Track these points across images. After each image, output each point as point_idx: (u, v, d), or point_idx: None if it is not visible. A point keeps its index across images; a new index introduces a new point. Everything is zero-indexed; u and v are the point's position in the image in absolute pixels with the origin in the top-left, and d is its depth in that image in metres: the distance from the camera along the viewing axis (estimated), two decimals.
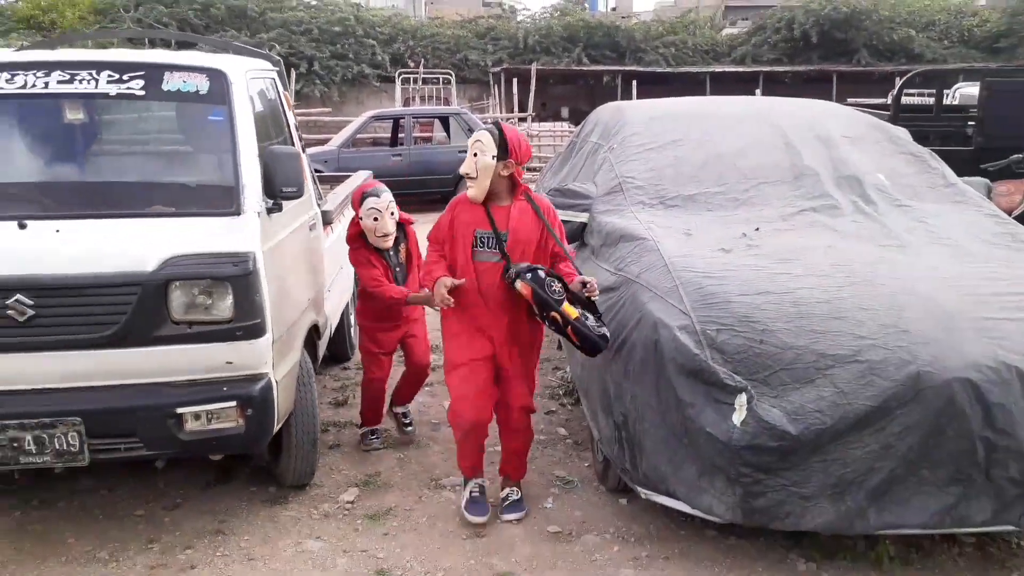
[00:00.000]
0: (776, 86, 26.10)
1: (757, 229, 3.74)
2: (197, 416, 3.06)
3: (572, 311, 3.13)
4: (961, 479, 2.83)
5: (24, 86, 3.27)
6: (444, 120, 15.07)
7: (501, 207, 3.29)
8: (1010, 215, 4.84)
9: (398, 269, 4.00)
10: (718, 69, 26.97)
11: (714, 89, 25.63)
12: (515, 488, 3.60)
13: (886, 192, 4.06)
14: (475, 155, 3.20)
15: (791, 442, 2.78)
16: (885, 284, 3.17)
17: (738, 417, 2.81)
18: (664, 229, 3.76)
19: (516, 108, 21.67)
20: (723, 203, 4.01)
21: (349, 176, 6.60)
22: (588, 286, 3.17)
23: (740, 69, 26.91)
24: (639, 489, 3.23)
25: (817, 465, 2.82)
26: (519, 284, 3.17)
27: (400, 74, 23.08)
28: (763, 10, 31.90)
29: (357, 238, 3.92)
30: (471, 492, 3.52)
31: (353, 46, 24.91)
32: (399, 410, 4.36)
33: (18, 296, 2.92)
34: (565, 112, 25.63)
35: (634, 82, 22.97)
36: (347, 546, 3.32)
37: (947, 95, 10.38)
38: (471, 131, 13.91)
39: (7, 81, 3.28)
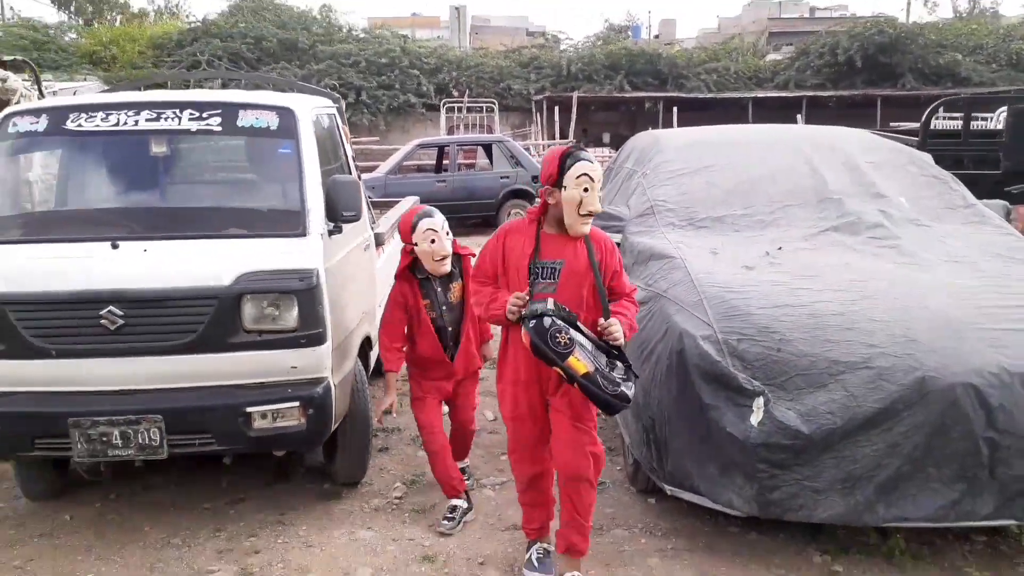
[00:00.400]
0: (820, 111, 26.11)
1: (780, 248, 4.00)
2: (264, 415, 3.41)
3: (581, 366, 2.76)
4: (965, 476, 3.04)
5: (117, 123, 3.70)
6: (487, 147, 15.50)
7: (558, 236, 3.02)
8: None
9: (444, 307, 3.76)
10: (760, 95, 27.04)
11: (756, 115, 25.71)
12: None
13: (905, 213, 4.29)
14: (585, 190, 2.90)
15: (804, 441, 3.03)
16: (897, 298, 3.40)
17: (756, 418, 3.06)
18: (692, 248, 4.04)
19: (557, 135, 22.06)
20: (749, 224, 4.27)
21: (398, 201, 6.99)
22: (607, 331, 2.89)
23: (783, 94, 26.93)
24: (666, 486, 3.48)
25: (829, 462, 3.05)
26: (522, 331, 2.85)
27: (444, 103, 23.69)
28: (807, 35, 32.01)
29: (406, 271, 3.73)
30: (536, 554, 3.27)
31: (399, 77, 25.64)
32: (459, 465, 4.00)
33: (110, 307, 3.30)
34: (606, 138, 25.95)
35: (675, 108, 23.15)
36: (395, 535, 3.63)
37: (991, 119, 10.47)
38: (513, 158, 14.35)
39: (102, 120, 3.71)
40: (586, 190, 2.87)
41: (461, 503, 3.76)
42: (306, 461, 4.43)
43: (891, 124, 8.27)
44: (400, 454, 4.57)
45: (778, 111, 25.15)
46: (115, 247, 3.40)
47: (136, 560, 3.47)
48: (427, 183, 13.70)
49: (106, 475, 4.18)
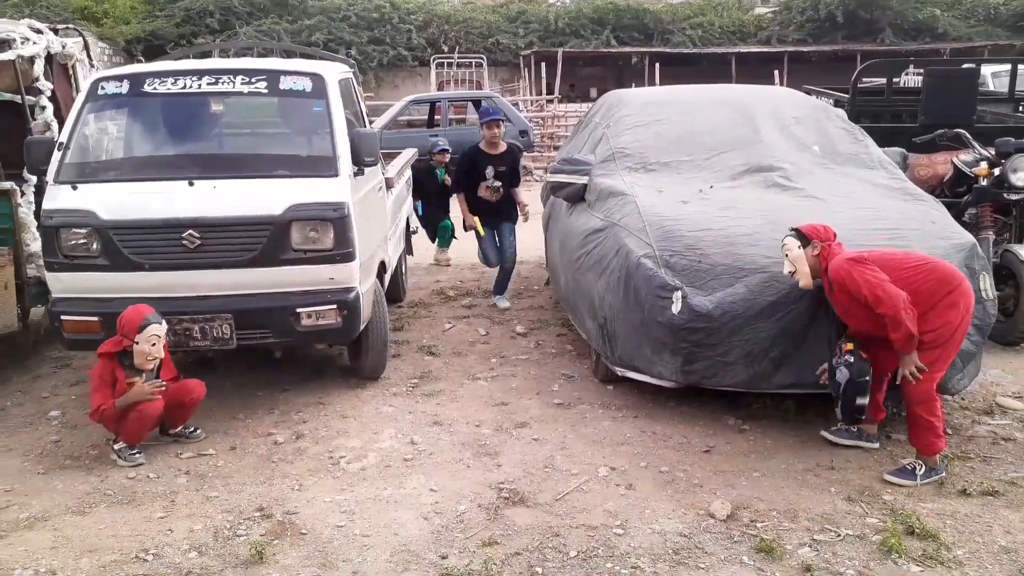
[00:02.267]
0: (801, 66, 26.84)
1: (711, 187, 5.02)
2: (310, 315, 4.45)
3: None
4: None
5: (185, 87, 4.67)
6: (477, 103, 16.35)
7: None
8: (926, 183, 6.05)
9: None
10: (743, 50, 27.73)
11: (739, 69, 26.45)
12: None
13: (816, 158, 5.31)
14: (786, 255, 3.90)
15: (716, 325, 4.09)
16: (792, 222, 4.41)
17: (676, 307, 4.12)
18: (642, 187, 5.06)
19: (544, 90, 22.86)
20: (689, 168, 5.29)
21: (399, 153, 7.94)
22: None
23: (765, 49, 27.63)
24: (616, 368, 4.56)
25: (735, 341, 4.11)
26: None
27: (435, 59, 24.38)
28: None
29: (110, 354, 4.08)
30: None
31: (390, 32, 26.22)
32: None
33: (190, 231, 4.31)
34: (593, 93, 26.63)
35: (657, 64, 23.88)
36: (411, 408, 4.71)
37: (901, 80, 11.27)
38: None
39: (172, 84, 4.68)
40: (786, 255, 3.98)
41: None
42: (336, 362, 5.49)
43: (809, 86, 9.17)
44: (410, 358, 5.63)
45: (760, 65, 25.84)
46: (191, 184, 4.40)
47: (213, 427, 4.52)
48: (420, 137, 14.58)
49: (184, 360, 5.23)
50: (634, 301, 4.38)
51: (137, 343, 4.05)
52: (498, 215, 6.75)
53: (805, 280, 3.89)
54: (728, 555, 3.19)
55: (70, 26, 6.76)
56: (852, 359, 3.81)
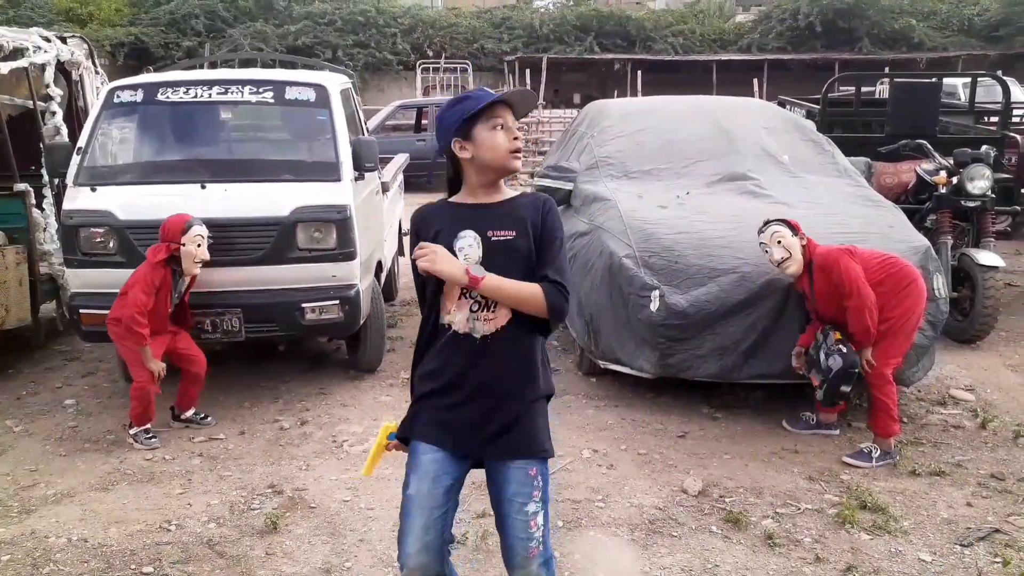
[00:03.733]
0: (781, 73, 27.41)
1: (688, 193, 5.39)
2: (314, 309, 4.77)
3: None
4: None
5: (196, 96, 4.98)
6: None
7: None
8: (891, 190, 6.44)
9: (175, 295, 4.44)
10: (724, 57, 28.26)
11: (720, 77, 26.94)
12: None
13: (786, 167, 5.69)
14: (779, 242, 4.17)
15: (690, 321, 4.45)
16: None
17: (654, 305, 4.48)
18: (623, 193, 5.41)
19: None
20: (668, 175, 5.65)
21: (390, 158, 8.26)
22: None
23: (746, 57, 28.17)
24: (599, 361, 4.91)
25: (708, 336, 4.47)
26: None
27: (420, 64, 24.69)
28: None
29: (162, 262, 4.29)
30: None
31: (375, 36, 26.48)
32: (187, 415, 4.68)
33: None
34: (577, 99, 27.06)
35: (639, 72, 24.29)
36: (407, 398, 4.98)
37: (875, 91, 11.69)
38: None
39: (184, 93, 4.98)
40: (779, 241, 4.26)
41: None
42: (335, 356, 5.80)
43: (783, 97, 9.59)
44: (404, 353, 5.94)
45: (741, 73, 26.36)
46: (203, 187, 4.71)
47: (222, 414, 4.82)
48: (408, 142, 14.89)
49: None
50: (617, 299, 4.73)
51: (184, 244, 4.27)
52: None
53: (796, 267, 4.18)
54: (698, 525, 3.55)
55: (76, 35, 7.01)
56: (845, 350, 4.13)
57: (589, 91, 27.38)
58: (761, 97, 20.42)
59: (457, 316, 2.19)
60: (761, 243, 4.30)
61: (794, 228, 4.23)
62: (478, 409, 2.22)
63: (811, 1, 28.27)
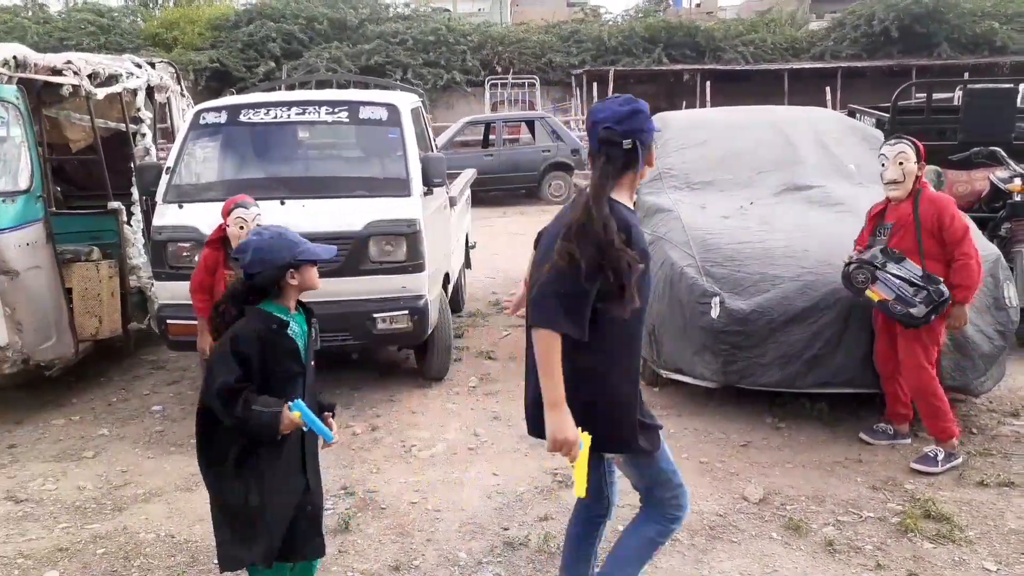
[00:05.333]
0: (855, 81, 26.83)
1: (751, 203, 5.42)
2: (384, 320, 4.97)
3: (875, 295, 4.05)
4: (864, 357, 4.45)
5: (276, 117, 5.27)
6: (530, 123, 16.91)
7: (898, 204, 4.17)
8: (964, 198, 6.32)
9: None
10: (796, 66, 27.75)
11: (792, 86, 26.52)
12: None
13: (852, 176, 5.66)
14: (900, 164, 4.05)
15: (751, 327, 4.48)
16: (825, 236, 4.81)
17: (715, 312, 4.52)
18: (686, 204, 5.48)
19: None
20: (731, 186, 5.69)
21: (458, 173, 8.48)
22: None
23: (818, 65, 27.61)
24: (661, 371, 4.97)
25: (771, 344, 4.50)
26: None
27: (488, 80, 25.05)
28: (851, 1, 32.44)
29: (217, 241, 4.35)
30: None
31: (445, 54, 26.95)
32: None
33: None
34: None
35: (708, 82, 24.10)
36: (473, 406, 5.19)
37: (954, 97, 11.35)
38: (554, 133, 15.75)
39: (265, 114, 5.28)
40: (900, 163, 4.10)
41: None
42: (404, 365, 6.00)
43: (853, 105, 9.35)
44: (470, 362, 6.11)
45: (813, 81, 25.91)
46: (283, 203, 4.97)
47: None
48: (476, 157, 15.17)
49: None
50: (678, 308, 4.79)
51: (229, 226, 4.28)
52: None
53: (902, 193, 4.11)
54: (758, 532, 3.58)
55: (164, 60, 7.44)
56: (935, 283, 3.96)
57: (657, 102, 27.19)
58: (834, 105, 20.10)
59: None
60: (881, 155, 4.21)
61: (920, 155, 4.11)
62: None
63: (887, 6, 27.56)
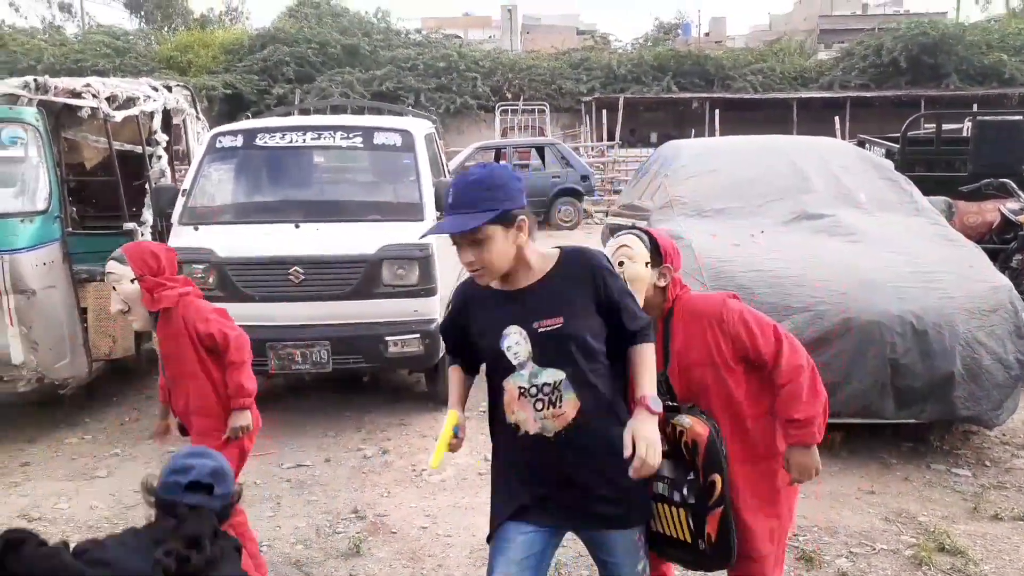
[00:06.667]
0: (863, 110, 26.98)
1: (762, 232, 5.43)
2: (396, 343, 5.00)
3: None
4: (876, 386, 4.44)
5: (291, 141, 5.33)
6: (540, 149, 17.03)
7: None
8: (974, 229, 6.34)
9: None
10: (805, 95, 27.92)
11: (801, 115, 26.68)
12: None
13: (862, 206, 5.68)
14: (620, 264, 2.43)
15: None
16: (836, 265, 4.82)
17: None
18: (697, 232, 5.48)
19: (605, 136, 23.45)
20: (741, 214, 5.70)
21: None
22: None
23: (827, 95, 27.78)
24: None
25: None
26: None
27: (499, 106, 25.26)
28: (858, 32, 32.66)
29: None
30: None
31: (456, 80, 27.23)
32: None
33: (295, 267, 4.92)
34: (653, 137, 27.23)
35: (716, 110, 24.23)
36: (483, 430, 5.10)
37: (963, 128, 11.46)
38: (563, 159, 15.87)
39: (280, 138, 5.34)
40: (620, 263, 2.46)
41: None
42: (414, 389, 6.01)
43: (863, 135, 9.38)
44: (480, 387, 6.06)
45: (822, 110, 26.04)
46: (297, 227, 5.02)
47: (308, 443, 5.07)
48: None
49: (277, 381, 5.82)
50: None
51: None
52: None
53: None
54: None
55: (180, 84, 7.54)
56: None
57: (666, 130, 27.45)
58: (843, 135, 20.18)
59: (522, 415, 2.11)
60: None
61: (660, 250, 2.50)
62: (569, 496, 2.15)
63: (895, 37, 27.82)
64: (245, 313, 4.93)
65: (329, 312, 4.96)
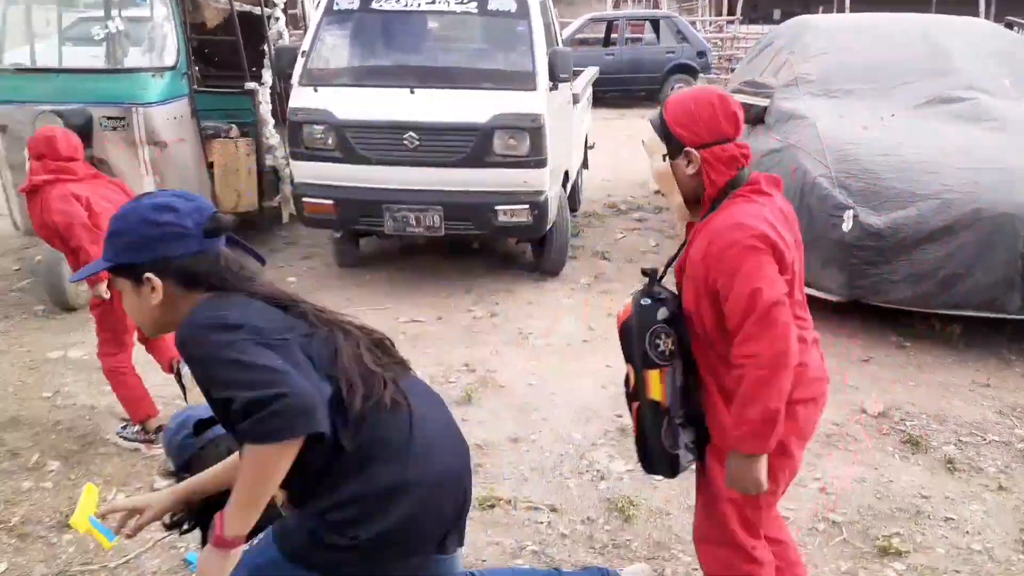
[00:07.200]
0: None
1: (894, 115, 5.14)
2: (506, 212, 5.06)
3: (658, 390, 1.98)
4: (1004, 280, 4.25)
5: (407, 4, 5.28)
6: (655, 23, 16.28)
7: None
8: None
9: None
10: None
11: None
12: None
13: (1006, 91, 5.28)
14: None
15: (884, 243, 4.34)
16: (971, 152, 4.55)
17: (846, 226, 4.39)
18: (823, 112, 5.25)
19: (725, 10, 22.20)
20: (873, 96, 5.40)
21: (582, 71, 8.33)
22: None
23: None
24: None
25: (903, 261, 4.35)
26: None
27: None
28: None
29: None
30: None
31: None
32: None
33: (410, 132, 4.97)
34: (777, 15, 25.67)
35: None
36: (588, 302, 5.28)
37: None
38: (679, 34, 15.14)
39: (396, 1, 5.30)
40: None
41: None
42: (520, 259, 6.12)
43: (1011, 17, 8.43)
44: (585, 261, 6.17)
45: None
46: (412, 92, 5.04)
47: (422, 301, 5.28)
48: (596, 56, 14.77)
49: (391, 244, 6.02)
50: (805, 219, 4.64)
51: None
52: None
53: (676, 209, 2.09)
54: (875, 444, 3.57)
55: None
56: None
57: (791, 8, 25.74)
58: (987, 17, 18.51)
59: None
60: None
61: (677, 140, 1.98)
62: None
63: None
64: (362, 176, 5.11)
65: (441, 179, 5.04)
